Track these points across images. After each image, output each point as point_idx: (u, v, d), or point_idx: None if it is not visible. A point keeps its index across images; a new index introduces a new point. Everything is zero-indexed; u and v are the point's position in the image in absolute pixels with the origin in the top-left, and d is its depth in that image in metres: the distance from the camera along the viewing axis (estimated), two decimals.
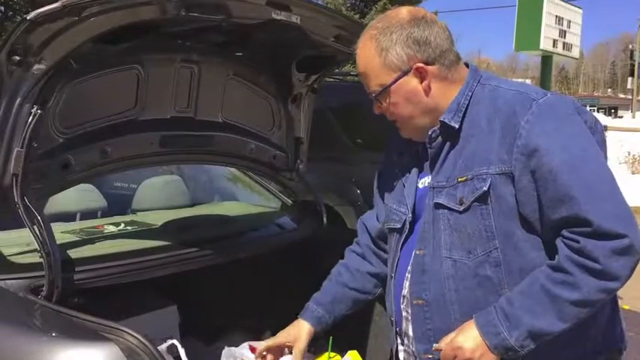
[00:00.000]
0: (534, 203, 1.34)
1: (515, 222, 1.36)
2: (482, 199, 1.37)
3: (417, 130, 1.50)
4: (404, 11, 1.45)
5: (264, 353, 1.76)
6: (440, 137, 1.46)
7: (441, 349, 1.39)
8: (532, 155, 1.32)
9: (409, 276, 1.51)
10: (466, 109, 1.44)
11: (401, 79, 1.43)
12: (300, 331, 1.72)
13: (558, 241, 1.33)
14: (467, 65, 1.52)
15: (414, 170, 1.56)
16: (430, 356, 1.47)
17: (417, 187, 1.54)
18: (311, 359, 1.83)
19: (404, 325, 1.55)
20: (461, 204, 1.40)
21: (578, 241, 1.28)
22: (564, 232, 1.31)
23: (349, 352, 2.39)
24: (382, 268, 1.74)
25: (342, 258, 1.84)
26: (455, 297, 1.41)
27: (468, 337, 1.35)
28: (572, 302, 1.29)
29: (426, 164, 1.53)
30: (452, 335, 1.38)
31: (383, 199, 1.69)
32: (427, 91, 1.44)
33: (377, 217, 1.75)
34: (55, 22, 1.57)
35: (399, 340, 1.63)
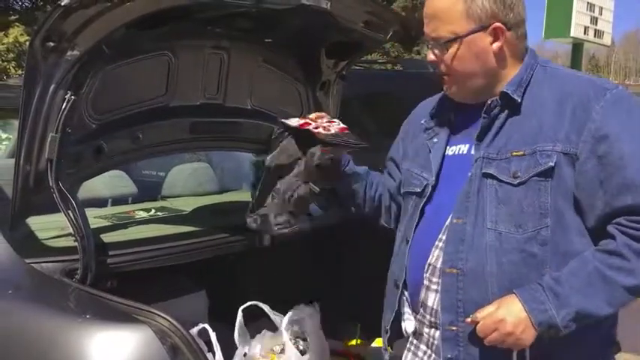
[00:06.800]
0: (592, 189, 1.35)
1: (568, 204, 1.37)
2: (545, 174, 1.37)
3: (467, 91, 1.49)
4: None
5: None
6: (498, 108, 1.44)
7: (478, 322, 1.35)
8: (602, 140, 1.34)
9: (441, 245, 1.46)
10: (527, 86, 1.44)
11: (477, 33, 1.40)
12: None
13: (612, 229, 1.34)
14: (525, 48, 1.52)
15: (443, 137, 1.55)
16: (455, 328, 1.42)
17: (444, 153, 1.53)
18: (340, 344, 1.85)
19: (423, 294, 1.50)
20: (515, 177, 1.39)
21: None
22: (622, 220, 1.33)
23: (376, 339, 2.40)
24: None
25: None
26: (496, 269, 1.38)
27: (511, 311, 1.32)
28: (625, 287, 1.31)
29: (464, 132, 1.51)
30: (489, 308, 1.34)
31: (398, 165, 1.69)
32: (497, 53, 1.43)
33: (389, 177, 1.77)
34: (88, 8, 1.58)
35: (407, 309, 1.58)
